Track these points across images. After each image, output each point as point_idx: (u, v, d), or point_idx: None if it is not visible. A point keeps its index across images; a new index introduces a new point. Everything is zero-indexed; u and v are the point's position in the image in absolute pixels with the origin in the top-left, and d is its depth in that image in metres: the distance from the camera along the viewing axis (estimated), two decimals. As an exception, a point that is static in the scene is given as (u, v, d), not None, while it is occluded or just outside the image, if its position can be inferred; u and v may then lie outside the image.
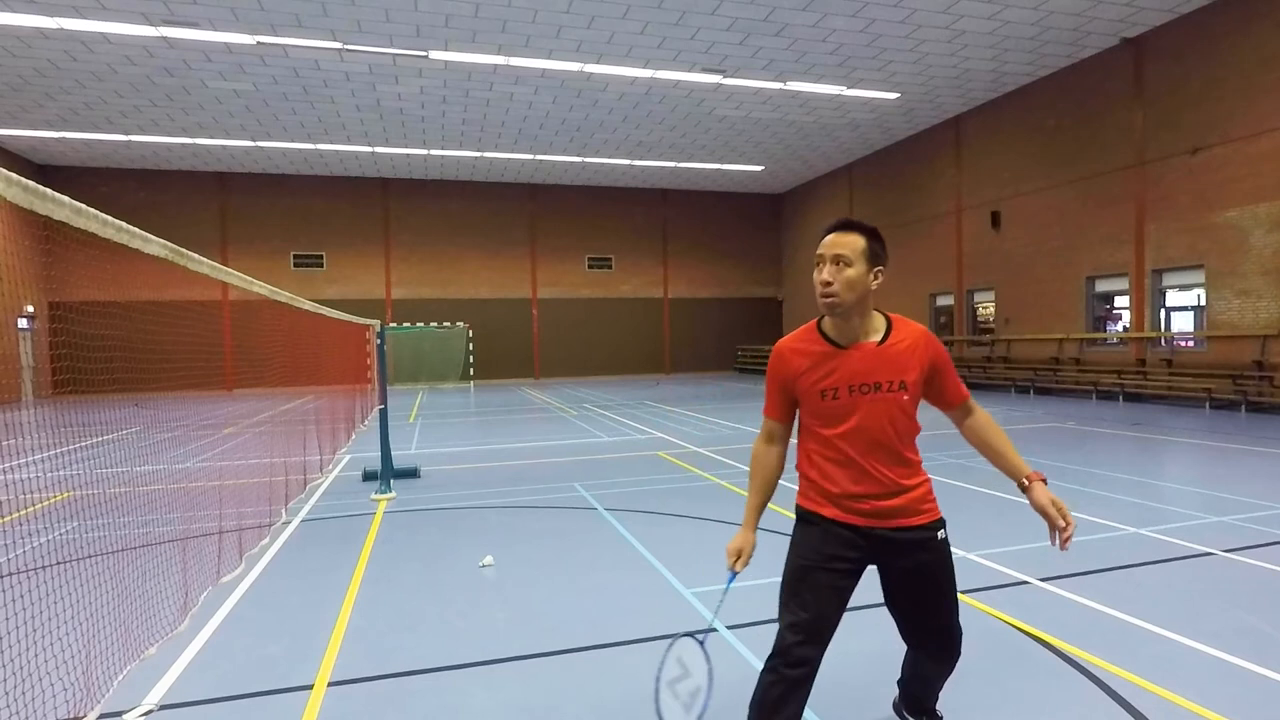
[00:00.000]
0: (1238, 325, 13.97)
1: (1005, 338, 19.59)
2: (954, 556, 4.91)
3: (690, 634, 2.44)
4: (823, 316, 2.37)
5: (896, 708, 2.80)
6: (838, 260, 2.25)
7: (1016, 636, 3.63)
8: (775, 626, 2.32)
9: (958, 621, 2.46)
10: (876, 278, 2.28)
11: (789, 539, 2.43)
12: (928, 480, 2.40)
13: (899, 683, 2.74)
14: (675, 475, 8.40)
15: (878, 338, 2.31)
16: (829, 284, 2.24)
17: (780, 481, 2.51)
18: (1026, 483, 2.36)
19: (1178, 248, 15.11)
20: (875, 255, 2.28)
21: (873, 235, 2.30)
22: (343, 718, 3.03)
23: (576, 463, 9.43)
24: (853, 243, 2.26)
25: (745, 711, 2.28)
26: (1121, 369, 16.13)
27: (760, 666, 3.31)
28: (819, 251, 2.30)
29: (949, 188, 21.71)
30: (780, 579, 2.36)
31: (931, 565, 2.36)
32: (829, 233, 2.31)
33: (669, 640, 2.45)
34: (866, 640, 3.49)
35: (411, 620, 4.10)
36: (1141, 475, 7.74)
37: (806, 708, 2.31)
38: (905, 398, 2.30)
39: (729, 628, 3.79)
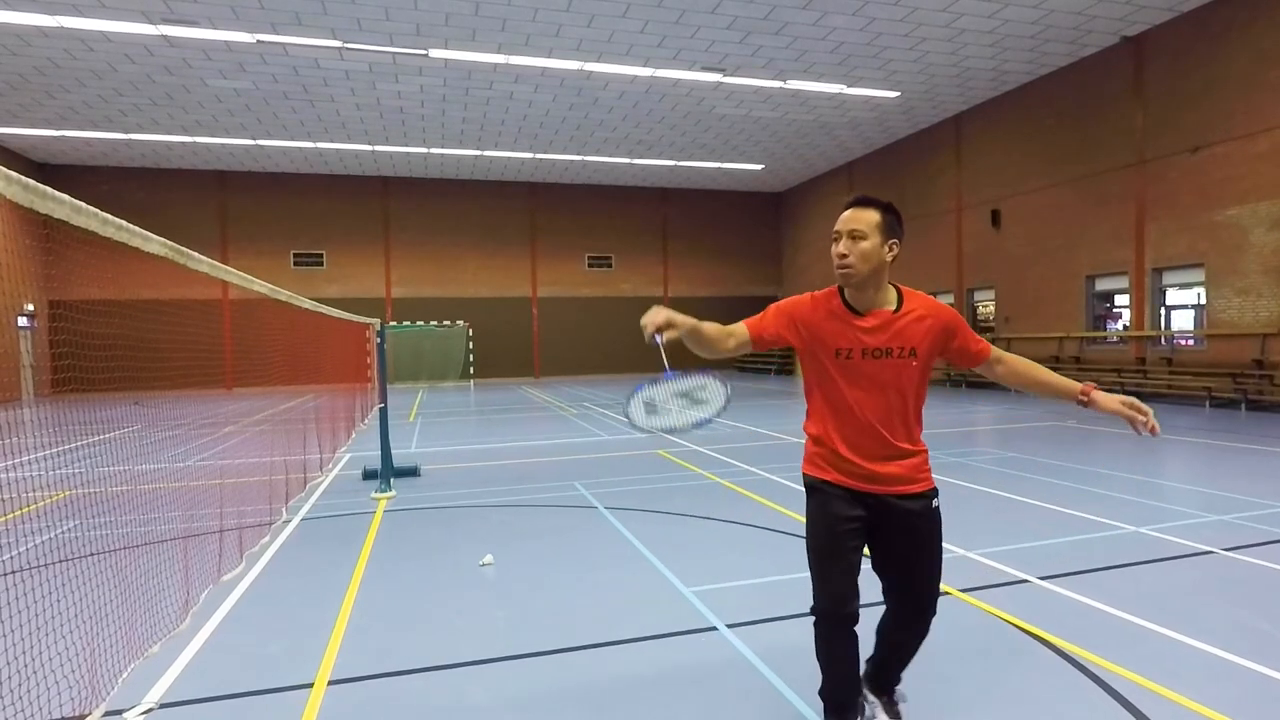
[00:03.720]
0: (1238, 324, 13.97)
1: (1005, 336, 19.58)
2: (956, 555, 4.90)
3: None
4: (841, 287, 2.50)
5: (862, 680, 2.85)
6: (853, 234, 2.37)
7: (1016, 634, 3.64)
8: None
9: (938, 586, 2.59)
10: (891, 250, 2.41)
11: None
12: (925, 451, 2.54)
13: (868, 660, 2.79)
14: (676, 474, 8.40)
15: (891, 307, 2.45)
16: (845, 256, 2.37)
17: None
18: (1085, 398, 2.47)
19: (1178, 246, 15.11)
20: (890, 228, 2.41)
21: (887, 209, 2.43)
22: (343, 716, 3.03)
23: (576, 461, 9.43)
24: (868, 217, 2.39)
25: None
26: (1121, 367, 16.13)
27: (760, 665, 3.32)
28: (836, 228, 2.43)
29: (949, 186, 21.70)
30: (806, 547, 2.53)
31: (924, 531, 2.50)
32: (846, 209, 2.43)
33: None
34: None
35: (411, 619, 4.10)
36: (1141, 474, 7.74)
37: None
38: (915, 364, 2.43)
39: (729, 626, 3.80)
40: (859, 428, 2.43)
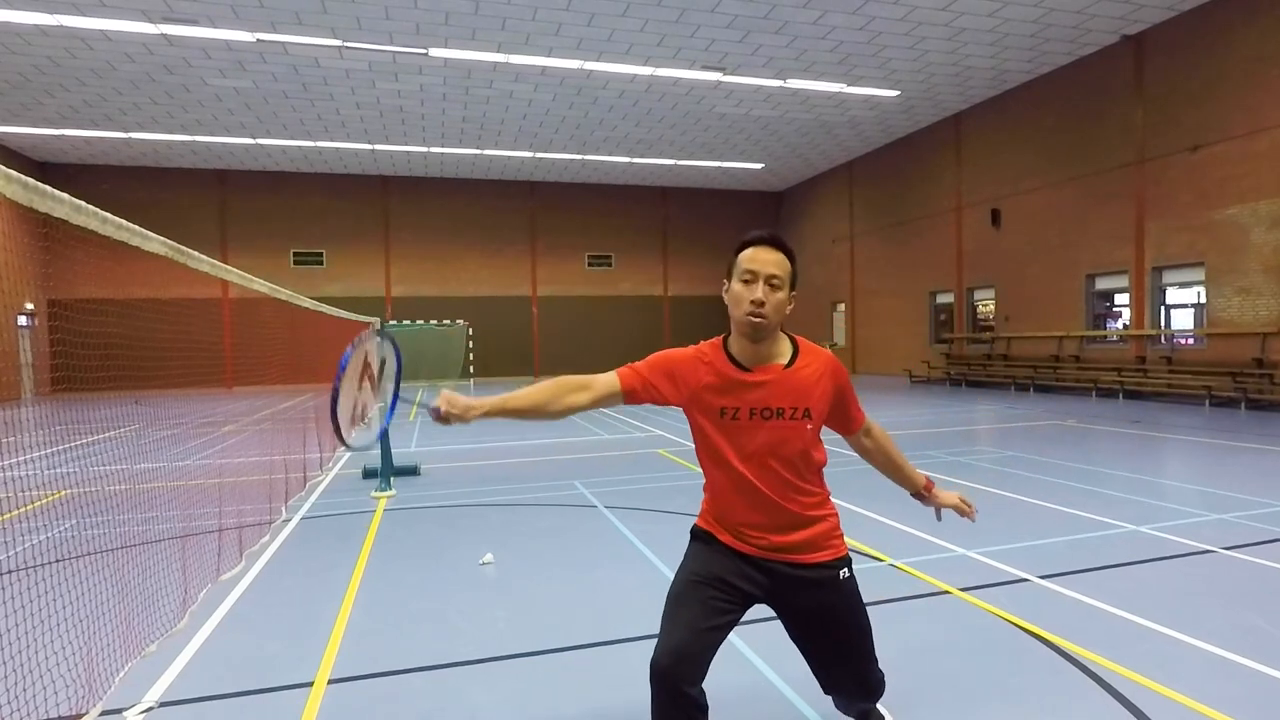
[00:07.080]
0: (1238, 323, 13.97)
1: (1005, 335, 19.60)
2: (955, 554, 4.88)
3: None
4: (727, 336, 2.23)
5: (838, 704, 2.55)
6: (771, 281, 2.10)
7: (1016, 633, 3.63)
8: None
9: (874, 667, 2.33)
10: (792, 301, 2.21)
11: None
12: (835, 515, 2.29)
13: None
14: (676, 473, 8.40)
15: (784, 361, 2.18)
16: (761, 305, 2.07)
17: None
18: (927, 492, 2.47)
19: (1178, 245, 15.11)
20: (795, 279, 2.21)
21: (794, 257, 2.22)
22: (342, 715, 3.03)
23: (576, 460, 9.43)
24: (783, 263, 2.14)
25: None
26: (1121, 366, 16.13)
27: (761, 665, 3.32)
28: (749, 267, 2.11)
29: (949, 185, 21.70)
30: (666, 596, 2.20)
31: (835, 606, 2.23)
32: (755, 245, 2.14)
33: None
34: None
35: (411, 618, 4.10)
36: (1141, 473, 7.73)
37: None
38: (809, 426, 2.16)
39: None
40: (750, 496, 2.15)
